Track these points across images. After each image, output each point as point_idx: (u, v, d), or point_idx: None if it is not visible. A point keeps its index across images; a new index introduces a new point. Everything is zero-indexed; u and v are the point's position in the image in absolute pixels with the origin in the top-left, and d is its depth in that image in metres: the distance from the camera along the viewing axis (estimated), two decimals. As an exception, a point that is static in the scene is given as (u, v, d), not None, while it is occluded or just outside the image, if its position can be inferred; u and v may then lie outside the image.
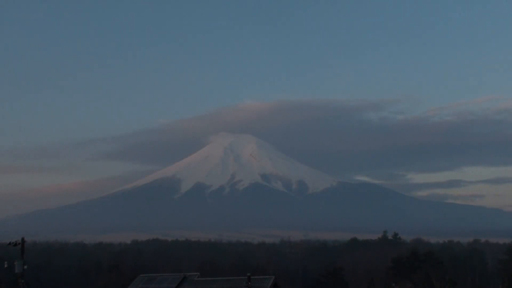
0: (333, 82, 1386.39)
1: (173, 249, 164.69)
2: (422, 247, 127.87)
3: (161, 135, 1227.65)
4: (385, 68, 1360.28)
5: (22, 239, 41.57)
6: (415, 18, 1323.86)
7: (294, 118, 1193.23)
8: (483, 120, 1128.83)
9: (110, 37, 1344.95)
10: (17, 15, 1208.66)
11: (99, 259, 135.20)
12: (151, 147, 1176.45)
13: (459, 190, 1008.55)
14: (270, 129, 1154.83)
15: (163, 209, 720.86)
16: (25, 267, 40.51)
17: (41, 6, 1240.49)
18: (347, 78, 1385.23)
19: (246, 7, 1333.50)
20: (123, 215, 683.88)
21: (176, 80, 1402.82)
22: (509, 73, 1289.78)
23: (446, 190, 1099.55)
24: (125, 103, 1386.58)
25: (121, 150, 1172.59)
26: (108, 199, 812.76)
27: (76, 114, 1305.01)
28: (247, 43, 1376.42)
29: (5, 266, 42.77)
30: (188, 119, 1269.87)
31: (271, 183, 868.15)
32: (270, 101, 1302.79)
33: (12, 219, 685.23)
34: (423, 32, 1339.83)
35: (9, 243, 41.53)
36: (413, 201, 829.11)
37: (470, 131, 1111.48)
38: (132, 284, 51.50)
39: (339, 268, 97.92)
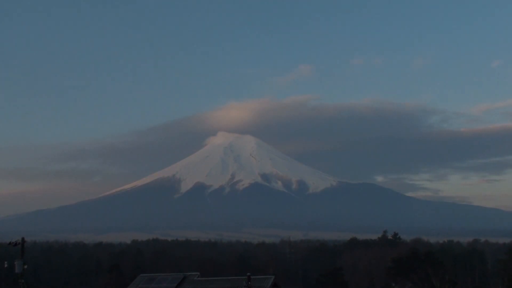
0: (331, 82, 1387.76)
1: (173, 249, 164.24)
2: (422, 247, 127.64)
3: (161, 135, 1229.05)
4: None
5: (22, 239, 41.50)
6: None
7: (294, 117, 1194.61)
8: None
9: (111, 37, 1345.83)
10: None
11: (99, 259, 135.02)
12: (151, 147, 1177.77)
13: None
14: (270, 129, 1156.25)
15: (163, 209, 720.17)
16: (25, 267, 40.42)
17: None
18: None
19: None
20: (123, 215, 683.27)
21: (176, 79, 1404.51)
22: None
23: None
24: (126, 102, 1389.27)
25: (121, 150, 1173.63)
26: (108, 199, 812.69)
27: (75, 114, 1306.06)
28: (245, 42, 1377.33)
29: (5, 266, 42.72)
30: (188, 119, 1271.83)
31: (271, 183, 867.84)
32: (270, 101, 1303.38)
33: (12, 219, 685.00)
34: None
35: (9, 243, 41.43)
36: (413, 201, 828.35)
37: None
38: (132, 284, 51.54)
39: (339, 268, 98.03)
